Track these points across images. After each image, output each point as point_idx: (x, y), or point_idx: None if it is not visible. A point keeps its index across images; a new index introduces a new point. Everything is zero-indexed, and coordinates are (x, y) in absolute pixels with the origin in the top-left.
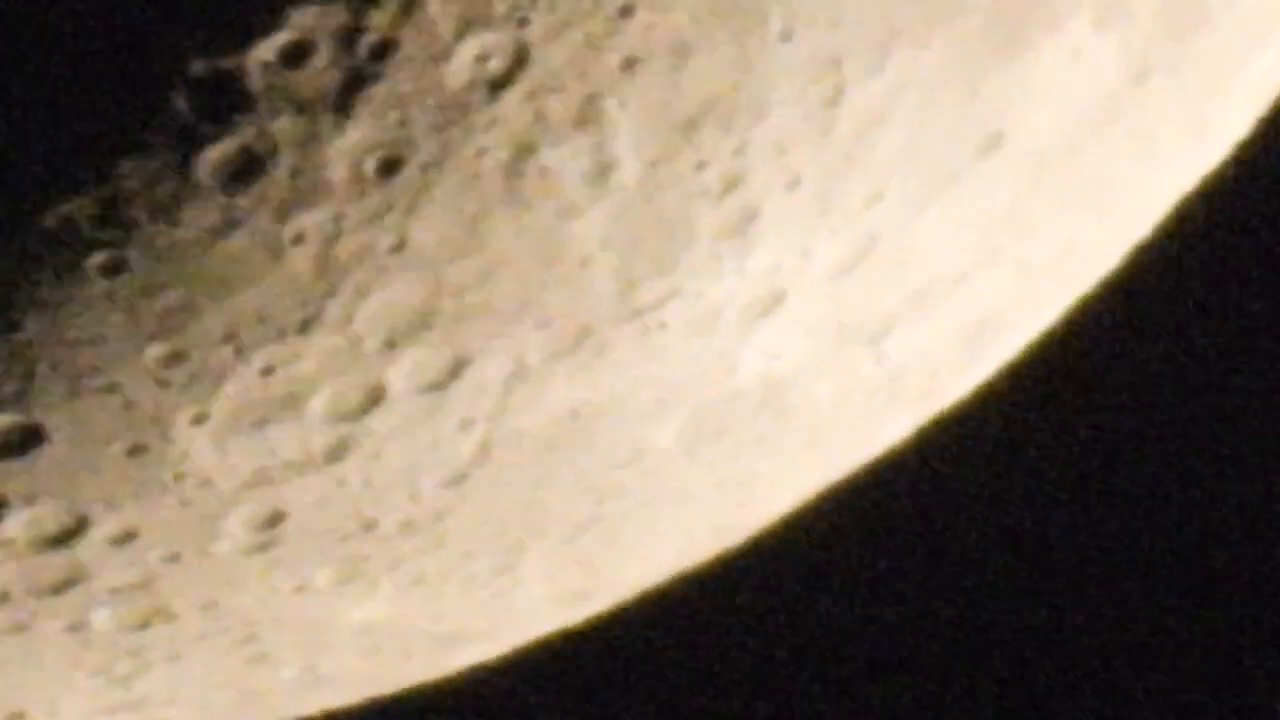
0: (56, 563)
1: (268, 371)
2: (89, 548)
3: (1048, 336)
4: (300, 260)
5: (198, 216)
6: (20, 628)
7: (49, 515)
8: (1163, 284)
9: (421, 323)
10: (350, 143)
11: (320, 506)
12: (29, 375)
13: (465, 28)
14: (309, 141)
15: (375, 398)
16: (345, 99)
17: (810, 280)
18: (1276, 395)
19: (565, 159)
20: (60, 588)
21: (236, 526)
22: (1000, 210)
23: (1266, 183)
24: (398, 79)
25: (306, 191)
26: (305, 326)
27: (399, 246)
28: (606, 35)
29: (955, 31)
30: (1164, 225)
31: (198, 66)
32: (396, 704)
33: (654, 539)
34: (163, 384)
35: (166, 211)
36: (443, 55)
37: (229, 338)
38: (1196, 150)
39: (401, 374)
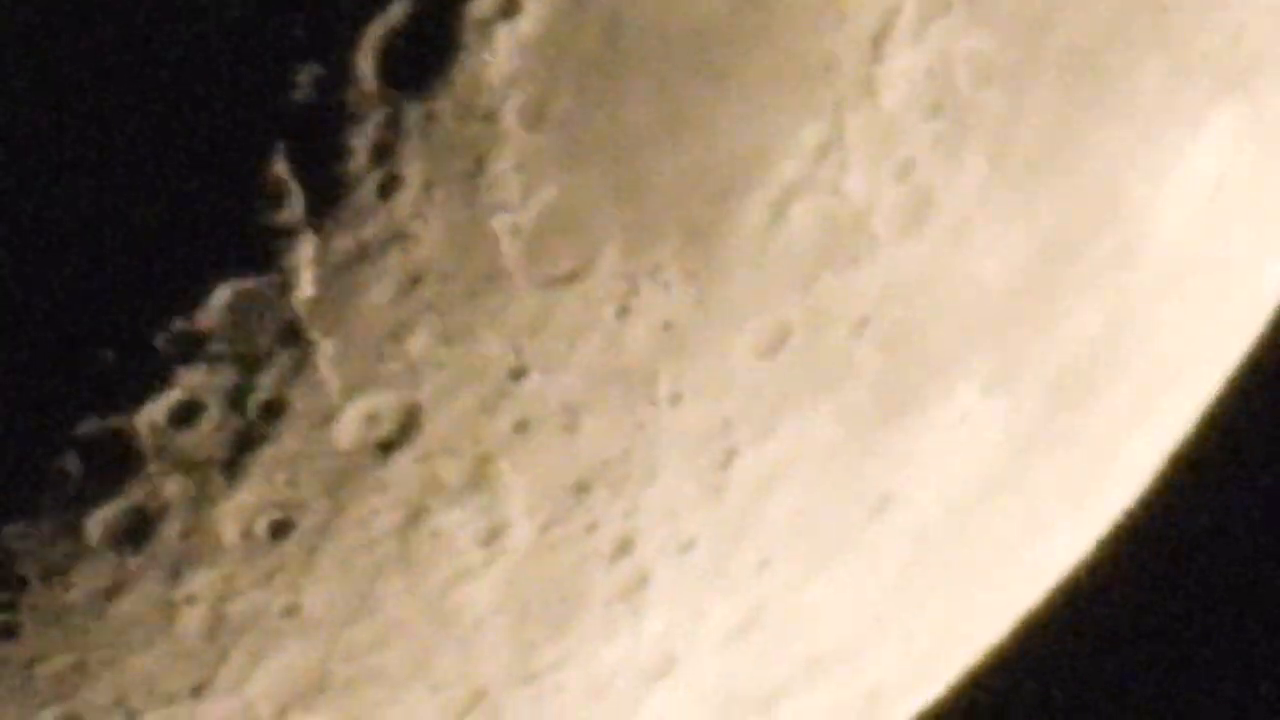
0: None
1: None
2: None
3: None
4: (191, 622)
5: (89, 578)
6: None
7: None
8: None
9: (315, 688)
10: (241, 503)
11: None
12: None
13: (354, 388)
14: (200, 502)
15: None
16: (235, 459)
17: (702, 645)
18: None
19: (458, 521)
20: None
21: None
22: (888, 579)
23: None
24: (287, 439)
25: (197, 552)
26: (197, 691)
27: (291, 610)
28: (498, 397)
29: (844, 398)
30: (1049, 599)
31: (88, 427)
32: None
33: None
34: None
35: (58, 573)
36: (332, 415)
37: (120, 702)
38: (1078, 523)
39: None
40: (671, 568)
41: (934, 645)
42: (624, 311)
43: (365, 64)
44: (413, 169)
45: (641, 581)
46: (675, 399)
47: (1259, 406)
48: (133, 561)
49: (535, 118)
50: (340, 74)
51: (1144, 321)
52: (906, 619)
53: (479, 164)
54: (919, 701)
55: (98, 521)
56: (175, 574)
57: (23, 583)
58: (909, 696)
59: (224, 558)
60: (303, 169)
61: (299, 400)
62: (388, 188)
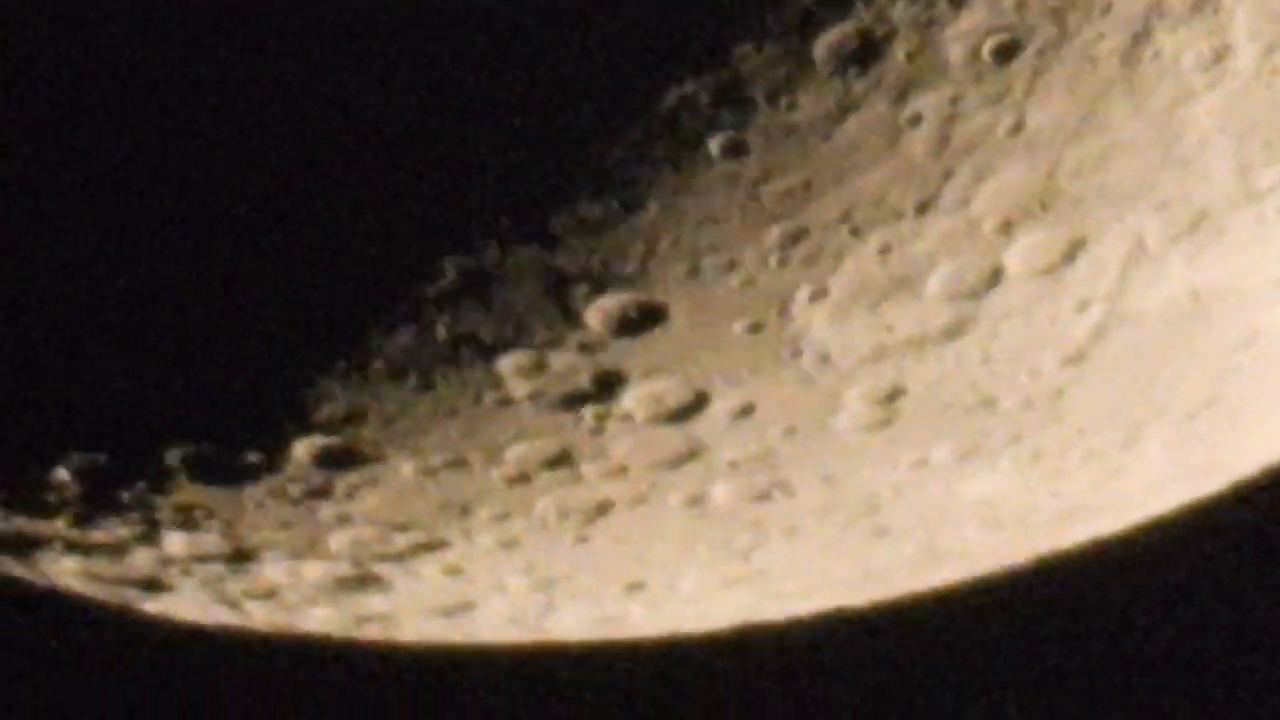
0: (675, 437)
1: (885, 251)
2: (707, 422)
3: None
4: (917, 143)
5: (815, 100)
6: (640, 500)
7: (668, 390)
8: None
9: (1039, 205)
10: (967, 26)
11: (938, 383)
12: (649, 254)
13: None
14: (926, 25)
15: (993, 278)
16: None
17: None
18: None
19: (1181, 44)
20: (679, 461)
21: (855, 401)
22: None
23: None
24: None
25: (923, 75)
26: (922, 208)
27: (1016, 129)
28: None
29: None
30: None
31: None
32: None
33: (1273, 420)
34: (782, 263)
35: (784, 94)
36: None
37: (846, 218)
38: None
39: (1018, 255)
40: None
41: None
42: None
43: None
44: None
45: None
46: None
47: None
48: (859, 83)
49: None
50: None
51: None
52: None
53: None
54: None
55: (824, 44)
56: (901, 95)
57: (751, 103)
58: None
59: (950, 79)
60: None
61: None
62: None
